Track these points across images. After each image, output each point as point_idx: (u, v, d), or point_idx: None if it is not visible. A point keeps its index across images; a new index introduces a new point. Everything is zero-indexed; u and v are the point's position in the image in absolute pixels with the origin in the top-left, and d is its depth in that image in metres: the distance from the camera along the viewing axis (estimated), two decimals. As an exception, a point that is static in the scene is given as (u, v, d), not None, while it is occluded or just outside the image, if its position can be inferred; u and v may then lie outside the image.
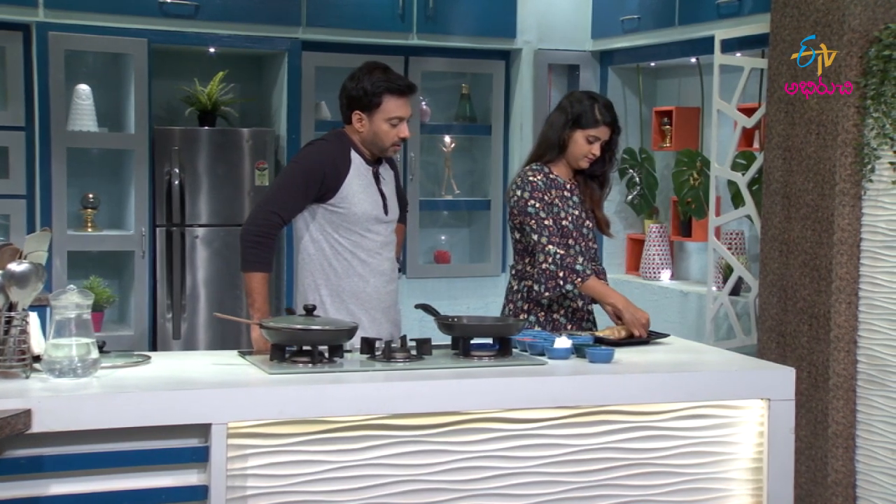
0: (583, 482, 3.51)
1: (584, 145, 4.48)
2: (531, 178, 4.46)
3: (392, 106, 4.23)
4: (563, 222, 4.47)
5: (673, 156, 6.68)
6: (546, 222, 4.40)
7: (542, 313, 4.50)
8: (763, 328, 5.22)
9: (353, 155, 4.27)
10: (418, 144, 6.85)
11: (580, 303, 4.53)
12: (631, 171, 6.87)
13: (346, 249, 4.25)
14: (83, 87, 6.20)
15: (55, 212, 6.02)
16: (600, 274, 4.58)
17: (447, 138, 7.07)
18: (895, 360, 4.63)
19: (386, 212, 4.33)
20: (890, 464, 4.67)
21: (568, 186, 4.54)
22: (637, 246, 7.03)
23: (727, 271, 5.93)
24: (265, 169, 6.42)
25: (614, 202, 7.04)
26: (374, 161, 4.35)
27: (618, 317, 4.29)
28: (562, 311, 4.51)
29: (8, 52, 5.99)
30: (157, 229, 6.26)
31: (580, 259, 4.45)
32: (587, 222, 4.56)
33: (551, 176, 4.51)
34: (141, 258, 6.18)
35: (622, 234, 7.10)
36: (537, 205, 4.42)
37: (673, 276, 6.80)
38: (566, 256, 4.36)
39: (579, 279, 4.32)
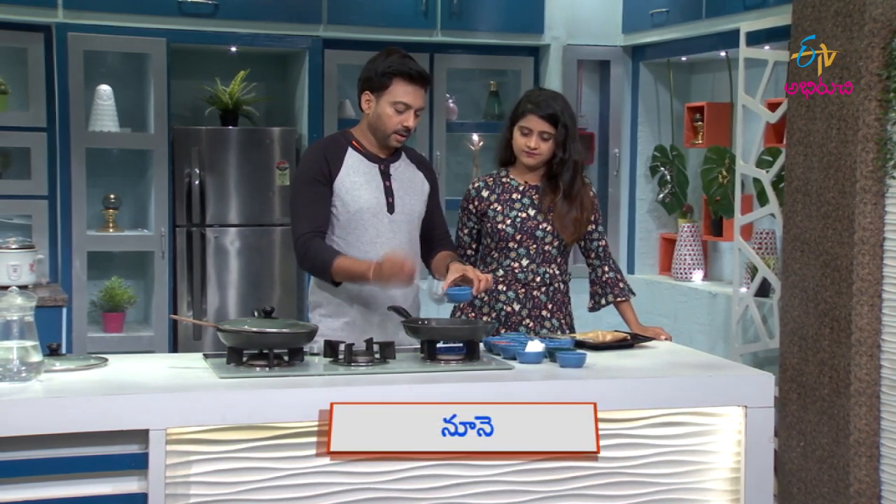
0: (549, 491, 3.36)
1: (519, 138, 4.33)
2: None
3: (400, 90, 4.02)
4: (500, 226, 4.34)
5: (705, 153, 6.49)
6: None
7: (523, 290, 4.33)
8: (785, 331, 5.03)
9: (350, 152, 4.10)
10: (444, 143, 6.74)
11: (561, 285, 4.41)
12: (662, 168, 6.68)
13: (341, 249, 4.04)
14: (104, 88, 6.21)
15: (76, 212, 6.03)
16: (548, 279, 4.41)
17: (475, 136, 6.93)
18: (920, 365, 4.44)
19: (390, 209, 4.11)
20: (915, 474, 4.47)
21: (521, 188, 4.39)
22: (670, 246, 6.83)
23: (754, 272, 5.73)
24: (286, 168, 6.36)
25: (646, 201, 6.87)
26: (387, 156, 4.16)
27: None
28: (543, 289, 4.36)
29: (29, 54, 6.03)
30: (177, 230, 6.23)
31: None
32: (545, 225, 4.34)
33: (503, 179, 4.42)
34: (161, 259, 6.16)
35: (655, 233, 6.92)
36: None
37: (706, 277, 6.60)
38: None
39: None
